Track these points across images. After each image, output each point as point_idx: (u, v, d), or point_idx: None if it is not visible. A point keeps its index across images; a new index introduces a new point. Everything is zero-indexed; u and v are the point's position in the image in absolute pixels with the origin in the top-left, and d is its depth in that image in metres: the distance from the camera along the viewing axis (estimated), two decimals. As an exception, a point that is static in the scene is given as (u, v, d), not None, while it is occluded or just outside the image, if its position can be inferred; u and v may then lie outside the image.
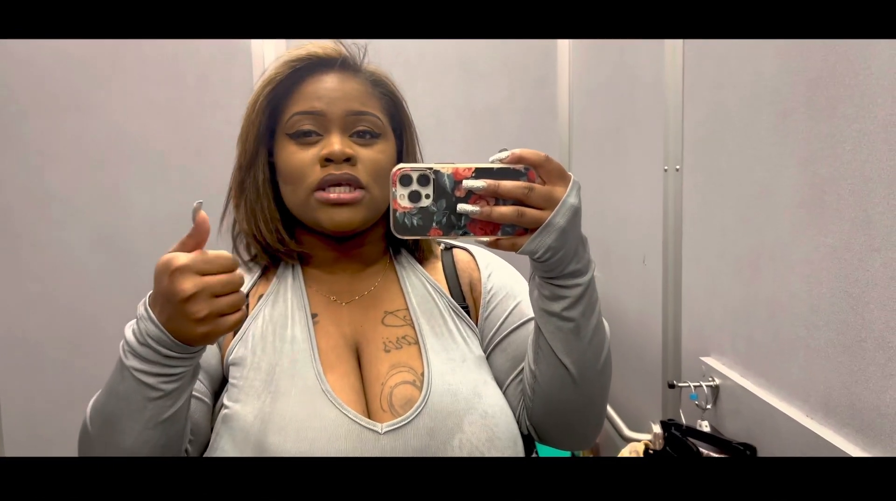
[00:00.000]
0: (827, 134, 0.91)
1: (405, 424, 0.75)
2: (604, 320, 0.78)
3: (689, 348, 1.41)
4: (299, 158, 0.82)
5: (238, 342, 0.83)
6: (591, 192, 2.04)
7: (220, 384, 0.84)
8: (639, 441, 1.39)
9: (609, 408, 1.73)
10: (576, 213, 0.68)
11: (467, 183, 0.67)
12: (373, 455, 0.73)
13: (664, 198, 1.46)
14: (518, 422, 0.83)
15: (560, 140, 2.23)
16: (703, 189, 1.33)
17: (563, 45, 2.21)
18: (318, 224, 0.83)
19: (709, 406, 1.25)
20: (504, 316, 0.88)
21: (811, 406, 0.97)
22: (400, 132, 0.91)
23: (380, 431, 0.75)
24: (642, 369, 1.63)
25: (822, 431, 0.92)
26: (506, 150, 0.68)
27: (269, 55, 2.03)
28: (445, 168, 0.68)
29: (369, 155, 0.83)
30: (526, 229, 0.68)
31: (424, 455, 0.74)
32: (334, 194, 0.81)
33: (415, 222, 0.68)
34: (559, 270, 0.71)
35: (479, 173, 0.67)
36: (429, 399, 0.77)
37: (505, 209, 0.67)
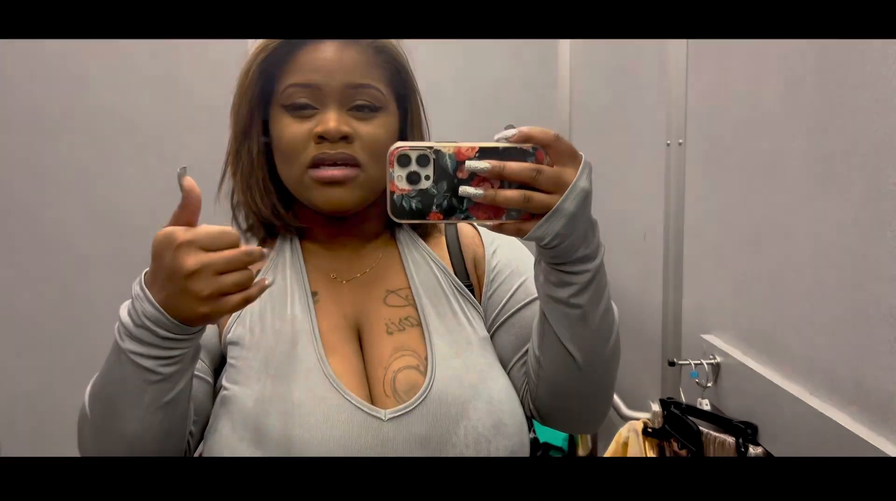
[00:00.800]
0: (837, 103, 0.87)
1: (409, 411, 0.72)
2: (613, 304, 0.74)
3: (690, 325, 1.38)
4: (293, 133, 0.78)
5: (236, 321, 0.80)
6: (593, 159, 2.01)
7: (220, 362, 0.81)
8: (637, 419, 1.37)
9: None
10: (586, 197, 0.64)
11: (470, 164, 0.62)
12: (375, 442, 0.71)
13: (666, 173, 1.43)
14: (521, 403, 0.81)
15: (560, 114, 2.20)
16: (706, 163, 1.30)
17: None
18: (312, 203, 0.80)
19: (709, 384, 1.23)
20: (509, 295, 0.84)
21: (815, 384, 0.95)
22: (405, 104, 0.86)
23: (383, 418, 0.72)
24: (641, 346, 1.61)
25: (826, 409, 0.90)
26: (512, 127, 0.63)
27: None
28: (447, 147, 0.63)
29: (368, 131, 0.78)
30: (533, 213, 0.63)
31: (428, 442, 0.72)
32: (328, 172, 0.77)
33: (413, 205, 0.63)
34: (567, 256, 0.66)
35: (484, 153, 0.62)
36: (433, 385, 0.74)
37: (510, 193, 0.61)
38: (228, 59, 1.92)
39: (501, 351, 0.83)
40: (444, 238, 0.90)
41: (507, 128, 0.63)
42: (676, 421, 1.24)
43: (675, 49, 1.38)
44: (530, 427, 0.88)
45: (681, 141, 1.39)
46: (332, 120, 0.76)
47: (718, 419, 1.15)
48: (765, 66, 1.05)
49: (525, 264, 0.87)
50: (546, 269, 0.70)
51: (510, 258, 0.87)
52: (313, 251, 0.86)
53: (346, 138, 0.77)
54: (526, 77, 2.18)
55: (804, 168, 0.95)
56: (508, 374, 0.82)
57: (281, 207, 0.84)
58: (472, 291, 0.85)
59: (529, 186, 0.62)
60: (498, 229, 0.65)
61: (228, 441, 0.72)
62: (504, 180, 0.63)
